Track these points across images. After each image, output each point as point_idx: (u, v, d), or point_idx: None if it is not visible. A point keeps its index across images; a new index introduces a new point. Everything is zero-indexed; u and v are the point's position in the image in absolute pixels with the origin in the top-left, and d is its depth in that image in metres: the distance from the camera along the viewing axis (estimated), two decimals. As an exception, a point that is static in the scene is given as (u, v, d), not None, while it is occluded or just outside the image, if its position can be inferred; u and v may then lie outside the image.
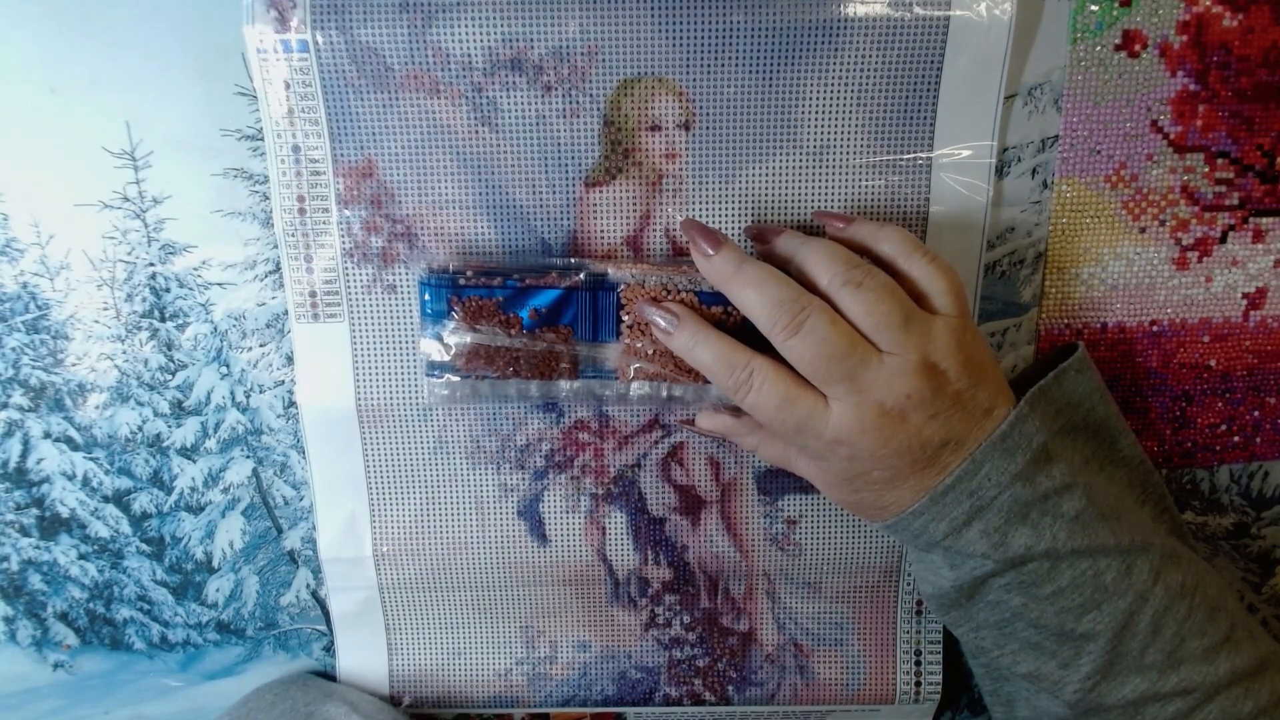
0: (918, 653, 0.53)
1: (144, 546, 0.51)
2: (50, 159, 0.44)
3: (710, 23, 0.42)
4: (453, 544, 0.50)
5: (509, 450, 0.49)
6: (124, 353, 0.47)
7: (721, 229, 0.43)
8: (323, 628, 0.53)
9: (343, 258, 0.45)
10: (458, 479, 0.49)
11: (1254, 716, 0.39)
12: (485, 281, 0.41)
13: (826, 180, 0.44)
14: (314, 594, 0.52)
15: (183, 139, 0.44)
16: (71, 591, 0.52)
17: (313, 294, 0.46)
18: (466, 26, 0.41)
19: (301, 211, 0.45)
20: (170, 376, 0.48)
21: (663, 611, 0.52)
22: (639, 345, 0.42)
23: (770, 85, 0.43)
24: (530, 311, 0.42)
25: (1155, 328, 0.48)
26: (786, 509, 0.50)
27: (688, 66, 0.42)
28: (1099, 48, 0.44)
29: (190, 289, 0.46)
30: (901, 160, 0.44)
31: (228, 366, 0.48)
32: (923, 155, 0.44)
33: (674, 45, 0.42)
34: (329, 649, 0.53)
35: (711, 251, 0.39)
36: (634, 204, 0.45)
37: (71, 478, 0.49)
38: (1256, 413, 0.50)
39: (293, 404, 0.48)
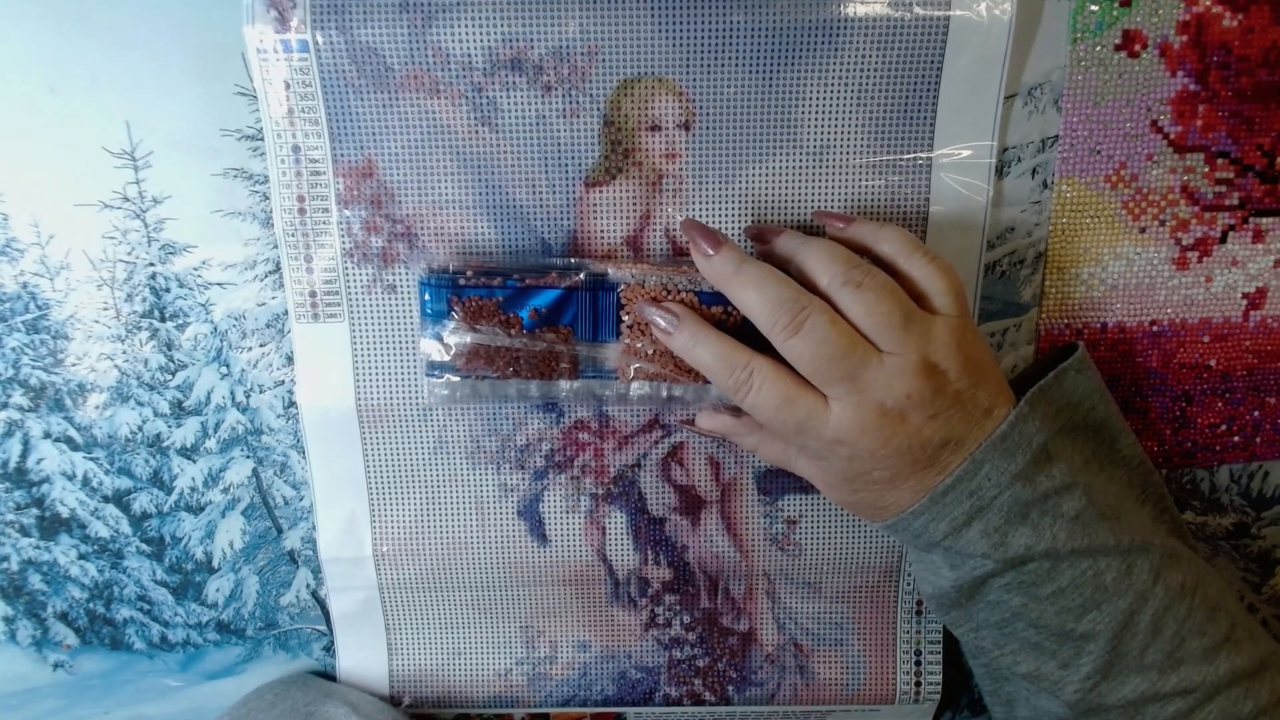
0: (918, 653, 0.53)
1: (144, 546, 0.51)
2: (50, 159, 0.44)
3: (710, 23, 0.42)
4: (453, 544, 0.50)
5: (509, 450, 0.49)
6: (124, 353, 0.47)
7: (721, 229, 0.43)
8: (323, 628, 0.53)
9: (343, 258, 0.45)
10: (458, 479, 0.49)
11: (1254, 716, 0.39)
12: (485, 281, 0.41)
13: (826, 180, 0.44)
14: (314, 594, 0.52)
15: (183, 139, 0.44)
16: (71, 591, 0.52)
17: (313, 294, 0.46)
18: (466, 26, 0.41)
19: (301, 211, 0.45)
20: (170, 376, 0.48)
21: (663, 611, 0.52)
22: (639, 345, 0.42)
23: (770, 85, 0.43)
24: (530, 311, 0.42)
25: (1155, 328, 0.48)
26: (786, 509, 0.50)
27: (688, 66, 0.42)
28: (1099, 48, 0.44)
29: (190, 289, 0.46)
30: (901, 160, 0.44)
31: (228, 366, 0.48)
32: (923, 155, 0.44)
33: (674, 45, 0.42)
34: (329, 649, 0.53)
35: (711, 251, 0.39)
36: (634, 204, 0.45)
37: (71, 478, 0.49)
38: (1256, 413, 0.50)
39: (293, 404, 0.48)
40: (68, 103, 0.43)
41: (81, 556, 0.51)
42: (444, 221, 0.45)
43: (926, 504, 0.39)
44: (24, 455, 0.49)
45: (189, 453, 0.49)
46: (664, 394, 0.43)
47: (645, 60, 0.42)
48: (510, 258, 0.45)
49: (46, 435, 0.49)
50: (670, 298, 0.41)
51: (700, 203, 0.45)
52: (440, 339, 0.42)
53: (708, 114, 0.43)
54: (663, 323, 0.40)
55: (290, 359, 0.48)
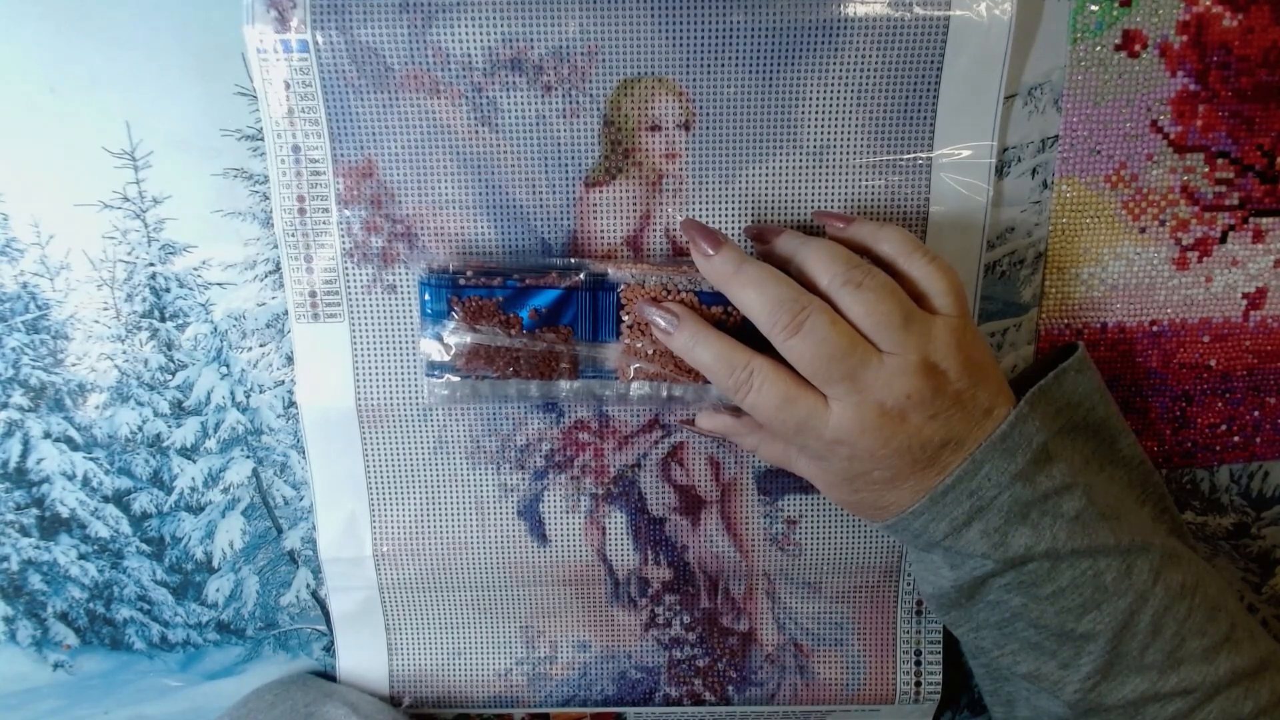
0: (918, 653, 0.53)
1: (144, 546, 0.51)
2: (50, 159, 0.44)
3: (710, 23, 0.42)
4: (453, 544, 0.50)
5: (509, 450, 0.49)
6: (124, 353, 0.47)
7: (721, 229, 0.43)
8: (323, 628, 0.53)
9: (343, 258, 0.45)
10: (458, 479, 0.49)
11: (1254, 716, 0.39)
12: (485, 281, 0.41)
13: (826, 180, 0.44)
14: (314, 594, 0.52)
15: (183, 139, 0.44)
16: (71, 591, 0.52)
17: (313, 294, 0.46)
18: (466, 26, 0.41)
19: (301, 211, 0.45)
20: (170, 376, 0.48)
21: (663, 611, 0.52)
22: (639, 345, 0.42)
23: (770, 85, 0.43)
24: (530, 311, 0.42)
25: (1155, 328, 0.48)
26: (786, 509, 0.50)
27: (688, 66, 0.42)
28: (1099, 48, 0.44)
29: (190, 289, 0.46)
30: (901, 160, 0.44)
31: (228, 366, 0.48)
32: (923, 155, 0.44)
33: (674, 45, 0.42)
34: (329, 649, 0.53)
35: (711, 251, 0.39)
36: (634, 204, 0.45)
37: (71, 478, 0.49)
38: (1256, 413, 0.50)
39: (293, 404, 0.48)
40: (68, 103, 0.43)
41: (81, 556, 0.51)
42: (444, 221, 0.45)
43: (926, 504, 0.39)
44: (24, 455, 0.49)
45: (189, 453, 0.49)
46: (664, 394, 0.43)
47: (645, 60, 0.42)
48: (510, 258, 0.45)
49: (46, 435, 0.49)
50: (670, 298, 0.41)
51: (700, 203, 0.45)
52: (440, 339, 0.42)
53: (708, 114, 0.43)
54: (663, 323, 0.40)
55: (290, 359, 0.48)
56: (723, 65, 0.42)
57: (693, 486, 0.50)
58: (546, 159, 0.44)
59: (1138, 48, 0.44)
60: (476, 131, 0.43)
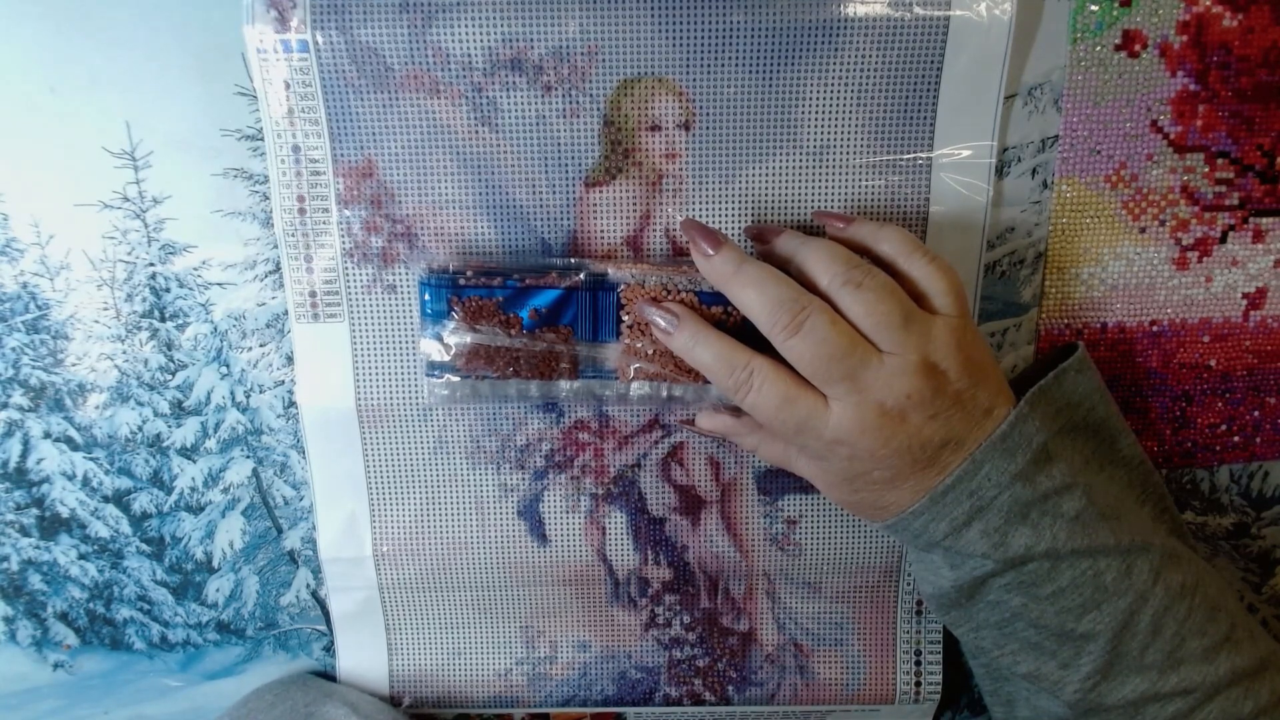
0: (918, 653, 0.53)
1: (144, 546, 0.51)
2: (50, 159, 0.44)
3: (710, 23, 0.42)
4: (453, 544, 0.50)
5: (509, 450, 0.49)
6: (124, 353, 0.47)
7: (721, 229, 0.43)
8: (323, 628, 0.53)
9: (343, 258, 0.45)
10: (458, 479, 0.49)
11: (1254, 716, 0.39)
12: (485, 281, 0.41)
13: (826, 180, 0.44)
14: (314, 594, 0.52)
15: (183, 139, 0.44)
16: (71, 591, 0.52)
17: (313, 294, 0.46)
18: (466, 26, 0.41)
19: (301, 211, 0.45)
20: (170, 376, 0.48)
21: (663, 611, 0.52)
22: (639, 345, 0.42)
23: (770, 85, 0.43)
24: (530, 311, 0.42)
25: (1155, 328, 0.48)
26: (786, 509, 0.50)
27: (688, 66, 0.42)
28: (1099, 48, 0.44)
29: (190, 289, 0.46)
30: (901, 160, 0.44)
31: (228, 366, 0.48)
32: (923, 155, 0.44)
33: (674, 45, 0.42)
34: (329, 649, 0.53)
35: (711, 251, 0.39)
36: (634, 204, 0.45)
37: (71, 478, 0.49)
38: (1256, 413, 0.50)
39: (293, 404, 0.48)
40: (68, 103, 0.43)
41: (81, 556, 0.51)
42: (444, 221, 0.45)
43: (926, 504, 0.39)
44: (24, 455, 0.49)
45: (189, 453, 0.49)
46: (664, 394, 0.43)
47: (645, 60, 0.42)
48: (510, 258, 0.45)
49: (46, 435, 0.49)
50: (670, 298, 0.41)
51: (700, 203, 0.45)
52: (440, 339, 0.42)
53: (708, 114, 0.43)
54: (663, 323, 0.40)
55: (290, 359, 0.48)
56: (723, 65, 0.42)
57: (693, 486, 0.50)
58: (546, 159, 0.44)
59: (1138, 48, 0.44)
60: (476, 131, 0.43)
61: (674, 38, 0.42)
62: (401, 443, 0.48)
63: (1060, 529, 0.38)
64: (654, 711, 0.55)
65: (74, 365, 0.47)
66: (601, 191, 0.44)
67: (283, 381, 0.48)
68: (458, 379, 0.43)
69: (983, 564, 0.39)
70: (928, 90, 0.43)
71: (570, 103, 0.43)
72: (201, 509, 0.50)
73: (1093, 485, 0.40)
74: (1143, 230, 0.47)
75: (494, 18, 0.41)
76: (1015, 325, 0.48)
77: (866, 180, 0.44)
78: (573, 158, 0.44)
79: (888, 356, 0.37)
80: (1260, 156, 0.46)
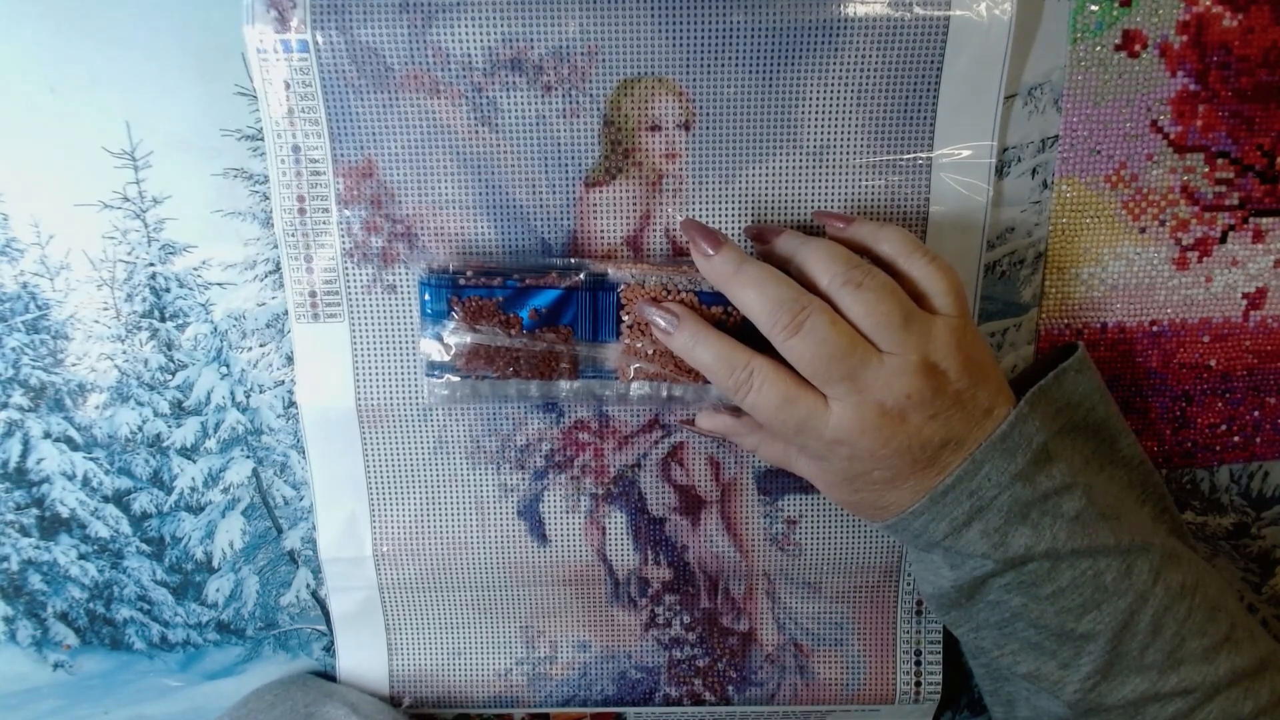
0: (918, 653, 0.53)
1: (144, 546, 0.51)
2: (50, 159, 0.44)
3: (710, 23, 0.42)
4: (453, 544, 0.50)
5: (509, 450, 0.49)
6: (124, 353, 0.47)
7: (721, 229, 0.43)
8: (323, 628, 0.53)
9: (343, 258, 0.45)
10: (458, 479, 0.49)
11: (1254, 716, 0.39)
12: (485, 281, 0.41)
13: (826, 180, 0.44)
14: (314, 594, 0.52)
15: (183, 139, 0.44)
16: (71, 591, 0.52)
17: (313, 294, 0.46)
18: (466, 26, 0.41)
19: (301, 211, 0.45)
20: (170, 376, 0.48)
21: (663, 611, 0.52)
22: (639, 345, 0.42)
23: (770, 85, 0.43)
24: (530, 311, 0.42)
25: (1155, 328, 0.48)
26: (786, 509, 0.50)
27: (688, 66, 0.42)
28: (1099, 48, 0.44)
29: (190, 289, 0.46)
30: (901, 160, 0.44)
31: (228, 366, 0.48)
32: (923, 155, 0.44)
33: (674, 45, 0.42)
34: (329, 649, 0.53)
35: (711, 251, 0.39)
36: (634, 204, 0.45)
37: (71, 478, 0.49)
38: (1256, 413, 0.50)
39: (293, 404, 0.48)
40: (68, 103, 0.43)
41: (81, 556, 0.51)
42: (444, 221, 0.45)
43: (926, 504, 0.39)
44: (24, 455, 0.49)
45: (189, 453, 0.49)
46: (664, 394, 0.43)
47: (645, 60, 0.42)
48: (510, 258, 0.45)
49: (46, 435, 0.49)
50: (670, 298, 0.41)
51: (700, 203, 0.45)
52: (440, 339, 0.42)
53: (708, 114, 0.43)
54: (663, 323, 0.40)
55: (290, 359, 0.48)
56: (723, 65, 0.42)
57: (693, 486, 0.50)
58: (546, 159, 0.44)
59: (1138, 48, 0.44)
60: (476, 131, 0.43)
61: (674, 38, 0.42)
62: (401, 443, 0.48)
63: (1060, 529, 0.38)
64: (654, 711, 0.55)
65: (74, 365, 0.47)
66: (601, 191, 0.44)
67: (283, 381, 0.48)
68: (458, 379, 0.43)
69: (983, 564, 0.39)
70: (928, 90, 0.43)
71: (570, 103, 0.43)
72: (201, 509, 0.50)
73: (1093, 485, 0.40)
74: (1143, 230, 0.47)
75: (494, 18, 0.41)
76: (1015, 325, 0.48)
77: (866, 180, 0.44)
78: (573, 158, 0.44)
79: (888, 356, 0.37)
80: (1260, 156, 0.46)
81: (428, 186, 0.44)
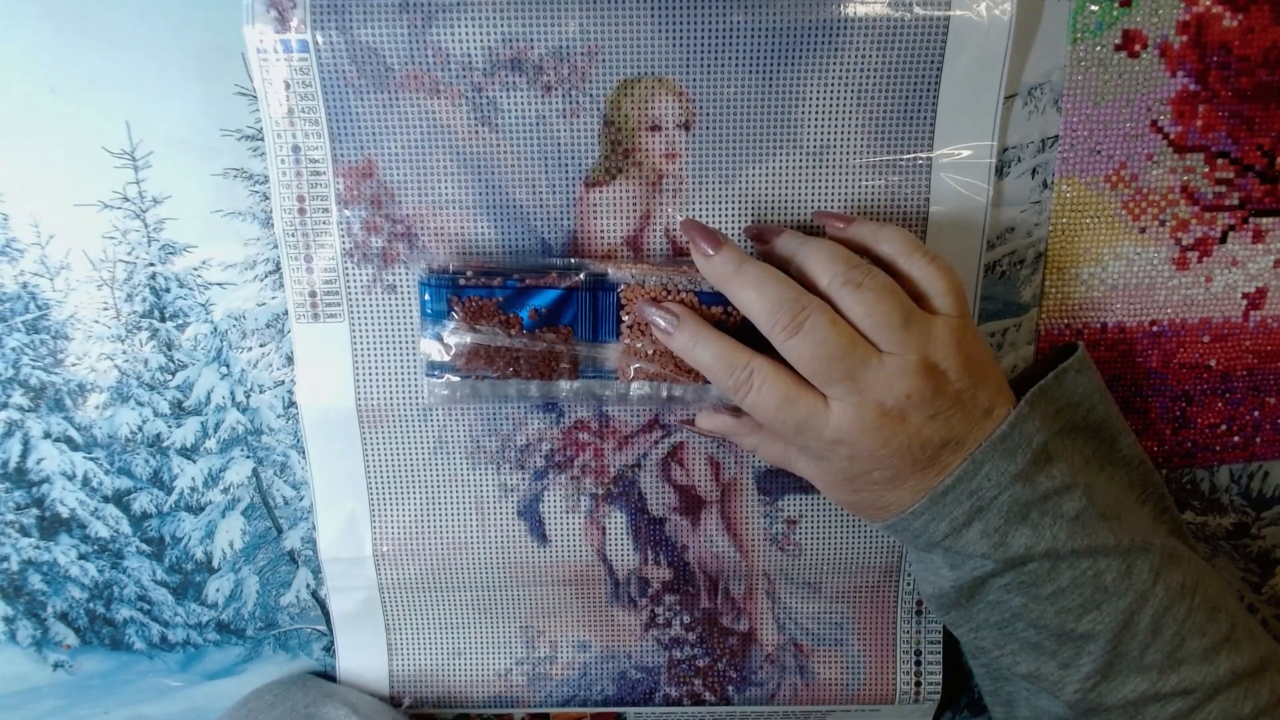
0: (918, 653, 0.53)
1: (144, 546, 0.51)
2: (50, 159, 0.44)
3: (710, 23, 0.42)
4: (453, 544, 0.50)
5: (509, 450, 0.49)
6: (124, 353, 0.47)
7: (721, 229, 0.43)
8: (323, 628, 0.53)
9: (343, 258, 0.45)
10: (458, 479, 0.49)
11: (1254, 716, 0.39)
12: (485, 281, 0.41)
13: (826, 180, 0.44)
14: (314, 594, 0.52)
15: (183, 139, 0.44)
16: (71, 591, 0.52)
17: (313, 294, 0.46)
18: (466, 26, 0.41)
19: (301, 211, 0.45)
20: (170, 376, 0.48)
21: (663, 611, 0.52)
22: (639, 345, 0.42)
23: (770, 85, 0.43)
24: (530, 311, 0.42)
25: (1155, 328, 0.48)
26: (786, 509, 0.50)
27: (688, 66, 0.42)
28: (1099, 48, 0.44)
29: (190, 289, 0.46)
30: (901, 160, 0.44)
31: (228, 366, 0.48)
32: (923, 155, 0.44)
33: (674, 45, 0.42)
34: (329, 649, 0.53)
35: (711, 251, 0.39)
36: (634, 204, 0.45)
37: (71, 478, 0.49)
38: (1256, 413, 0.50)
39: (293, 404, 0.48)
40: (68, 103, 0.43)
41: (81, 556, 0.51)
42: (444, 221, 0.45)
43: (926, 504, 0.39)
44: (24, 455, 0.49)
45: (189, 453, 0.49)
46: (664, 394, 0.43)
47: (645, 60, 0.42)
48: (510, 258, 0.45)
49: (46, 435, 0.49)
50: (670, 298, 0.41)
51: (700, 203, 0.45)
52: (440, 339, 0.42)
53: (708, 114, 0.43)
54: (663, 323, 0.40)
55: (290, 359, 0.48)
56: (723, 65, 0.42)
57: (693, 486, 0.50)
58: (546, 159, 0.44)
59: (1138, 48, 0.44)
60: (476, 131, 0.43)
61: (674, 38, 0.42)
62: (401, 443, 0.48)
63: (1060, 529, 0.38)
64: (654, 711, 0.55)
65: (74, 365, 0.47)
66: (601, 191, 0.44)
67: (283, 381, 0.48)
68: (458, 379, 0.43)
69: (983, 564, 0.39)
70: (928, 90, 0.43)
71: (570, 103, 0.43)
72: (201, 509, 0.50)
73: (1093, 485, 0.40)
74: (1143, 230, 0.47)
75: (494, 18, 0.41)
76: (1015, 325, 0.48)
77: (866, 180, 0.44)
78: (573, 158, 0.44)
79: (888, 357, 0.37)
80: (1260, 156, 0.46)
81: (428, 186, 0.44)
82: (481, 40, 0.42)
